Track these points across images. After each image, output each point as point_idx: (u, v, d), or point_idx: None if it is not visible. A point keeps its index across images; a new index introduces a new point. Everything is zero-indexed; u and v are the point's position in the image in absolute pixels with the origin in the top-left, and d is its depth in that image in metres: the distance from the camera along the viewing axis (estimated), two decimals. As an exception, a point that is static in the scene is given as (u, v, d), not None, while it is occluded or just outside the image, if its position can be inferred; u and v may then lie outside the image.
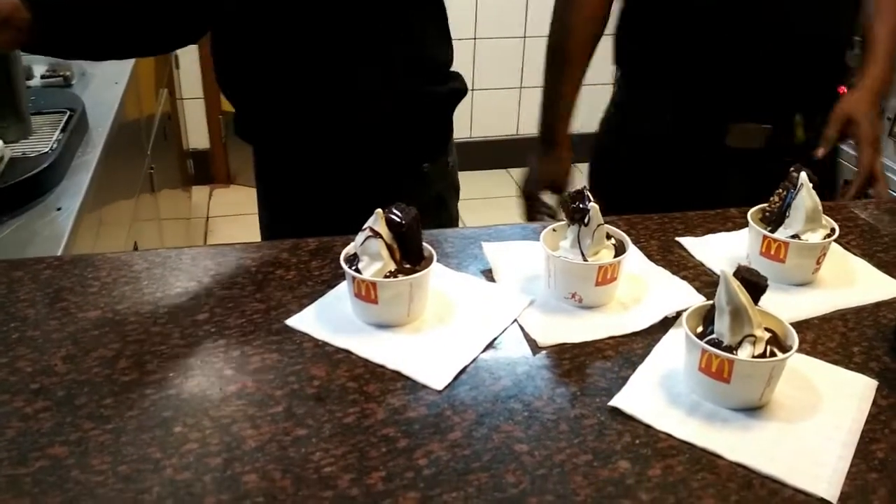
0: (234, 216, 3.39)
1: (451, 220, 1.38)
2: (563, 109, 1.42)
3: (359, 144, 1.23)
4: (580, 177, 1.49)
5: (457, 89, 1.30)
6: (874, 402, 0.75)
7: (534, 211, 1.44)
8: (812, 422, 0.72)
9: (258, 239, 1.07)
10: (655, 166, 1.38)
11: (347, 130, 1.22)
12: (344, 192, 1.24)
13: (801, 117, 1.30)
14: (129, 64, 1.89)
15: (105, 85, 1.76)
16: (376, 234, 0.82)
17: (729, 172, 1.32)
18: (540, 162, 1.45)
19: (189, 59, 3.32)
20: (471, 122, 3.63)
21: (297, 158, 1.29)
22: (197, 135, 3.47)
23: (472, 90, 3.35)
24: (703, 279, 0.94)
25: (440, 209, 1.34)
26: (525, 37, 3.54)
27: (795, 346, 0.72)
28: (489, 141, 3.68)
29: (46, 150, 1.32)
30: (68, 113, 1.47)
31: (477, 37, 3.51)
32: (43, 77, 1.71)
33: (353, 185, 1.24)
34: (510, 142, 3.69)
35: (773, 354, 0.72)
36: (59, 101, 1.53)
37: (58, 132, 1.40)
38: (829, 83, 1.32)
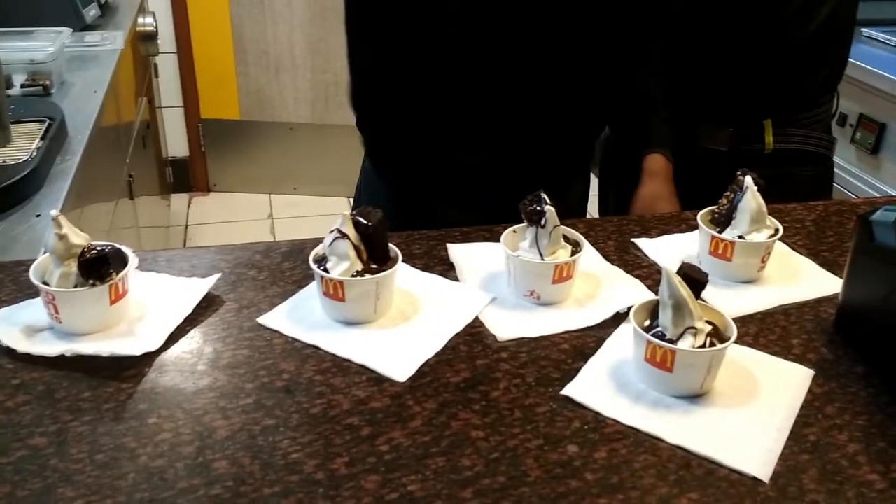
0: (213, 224, 3.42)
1: None
2: None
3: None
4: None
5: None
6: (809, 390, 0.80)
7: None
8: (749, 408, 0.77)
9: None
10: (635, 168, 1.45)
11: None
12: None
13: (770, 123, 1.36)
14: (108, 72, 1.93)
15: (85, 94, 1.79)
16: (344, 236, 0.87)
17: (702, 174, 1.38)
18: None
19: (168, 68, 3.36)
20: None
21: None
22: (176, 143, 3.50)
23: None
24: (655, 277, 0.99)
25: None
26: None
27: (734, 336, 0.77)
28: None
29: (26, 157, 1.35)
30: (48, 121, 1.50)
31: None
32: (23, 86, 1.74)
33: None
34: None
35: (713, 345, 0.77)
36: (38, 110, 1.56)
37: (37, 140, 1.43)
38: (801, 95, 1.38)
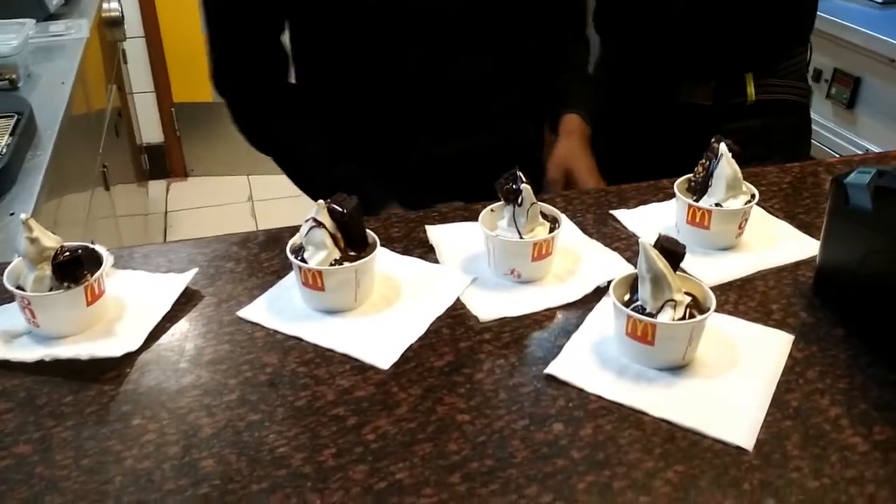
0: (194, 209, 3.39)
1: None
2: None
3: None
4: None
5: None
6: (790, 355, 0.81)
7: None
8: (731, 376, 0.78)
9: (219, 231, 1.09)
10: (620, 128, 1.46)
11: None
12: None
13: (751, 76, 1.38)
14: (75, 62, 1.89)
15: (52, 85, 1.76)
16: (319, 224, 0.86)
17: (687, 130, 1.39)
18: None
19: (137, 53, 3.30)
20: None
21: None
22: (150, 129, 3.46)
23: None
24: (635, 249, 0.98)
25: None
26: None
27: (713, 307, 0.77)
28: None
29: (-5, 156, 1.33)
30: (16, 116, 1.48)
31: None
32: (-12, 82, 1.71)
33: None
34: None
35: (692, 316, 0.77)
36: (6, 106, 1.53)
37: (6, 137, 1.40)
38: (777, 45, 1.40)
